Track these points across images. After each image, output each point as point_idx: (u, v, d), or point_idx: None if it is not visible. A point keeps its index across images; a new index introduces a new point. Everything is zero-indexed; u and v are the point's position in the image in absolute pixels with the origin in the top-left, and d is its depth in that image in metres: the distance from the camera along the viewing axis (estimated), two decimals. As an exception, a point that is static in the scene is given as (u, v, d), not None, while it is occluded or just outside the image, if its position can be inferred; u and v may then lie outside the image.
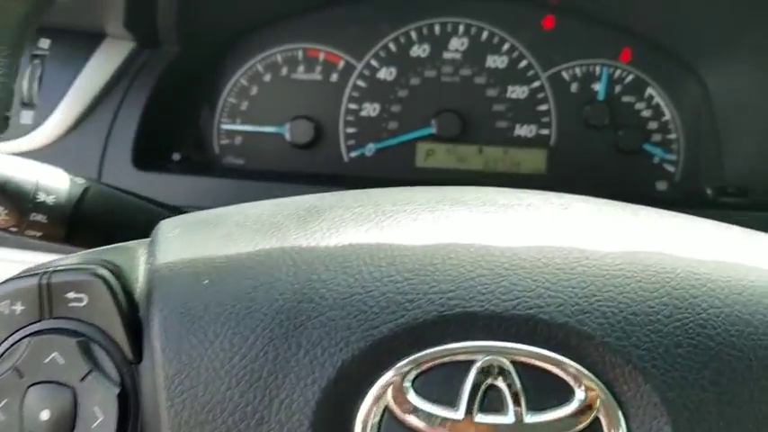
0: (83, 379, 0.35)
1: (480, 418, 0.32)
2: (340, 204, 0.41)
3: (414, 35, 0.93)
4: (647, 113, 0.91)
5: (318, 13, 0.92)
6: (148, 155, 0.79)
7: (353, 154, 0.93)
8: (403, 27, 0.92)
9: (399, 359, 0.33)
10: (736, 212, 0.75)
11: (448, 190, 0.43)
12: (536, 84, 0.92)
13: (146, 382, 0.35)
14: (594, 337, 0.33)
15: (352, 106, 0.93)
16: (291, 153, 0.92)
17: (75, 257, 0.40)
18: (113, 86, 0.79)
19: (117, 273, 0.37)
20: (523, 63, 0.92)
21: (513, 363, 0.33)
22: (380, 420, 0.33)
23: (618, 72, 0.92)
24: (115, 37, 0.80)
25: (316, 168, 0.92)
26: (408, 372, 0.33)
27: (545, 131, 0.92)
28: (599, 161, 0.91)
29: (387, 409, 0.33)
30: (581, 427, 0.32)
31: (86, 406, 0.35)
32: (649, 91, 0.91)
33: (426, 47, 0.93)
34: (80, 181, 0.56)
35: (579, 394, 0.32)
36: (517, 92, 0.92)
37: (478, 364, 0.33)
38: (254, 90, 0.92)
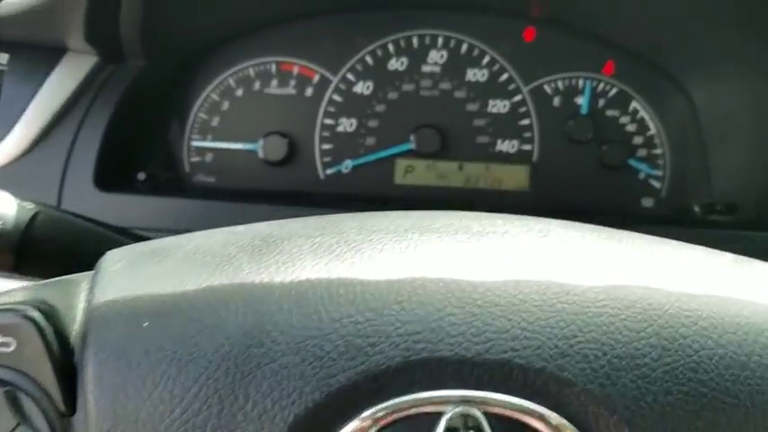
0: (9, 434, 0.31)
1: (450, 475, 0.29)
2: (300, 233, 0.37)
3: (391, 48, 0.90)
4: (631, 128, 0.89)
5: (292, 25, 0.89)
6: (112, 175, 0.76)
7: (330, 171, 0.89)
8: (380, 40, 0.89)
9: (360, 411, 0.29)
10: (726, 231, 0.72)
11: (419, 216, 0.40)
12: (517, 98, 0.89)
13: None
14: (575, 384, 0.29)
15: (328, 121, 0.89)
16: (265, 170, 0.89)
17: (6, 295, 0.36)
18: (75, 103, 0.76)
19: (50, 313, 0.34)
20: (504, 76, 0.89)
21: (486, 414, 0.29)
22: (340, 480, 0.29)
23: (601, 85, 0.89)
24: (77, 51, 0.76)
25: (290, 186, 0.89)
26: (369, 426, 0.29)
27: (527, 147, 0.89)
28: (583, 177, 0.88)
29: (346, 467, 0.29)
30: (562, 485, 0.29)
31: (12, 464, 0.31)
32: (634, 104, 0.89)
33: (404, 60, 0.90)
34: (29, 206, 0.52)
35: (559, 448, 0.29)
36: (498, 106, 0.89)
37: (447, 416, 0.29)
38: (226, 105, 0.89)
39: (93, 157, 0.74)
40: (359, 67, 0.89)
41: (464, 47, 0.90)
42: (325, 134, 0.89)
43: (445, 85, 0.89)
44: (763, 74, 0.78)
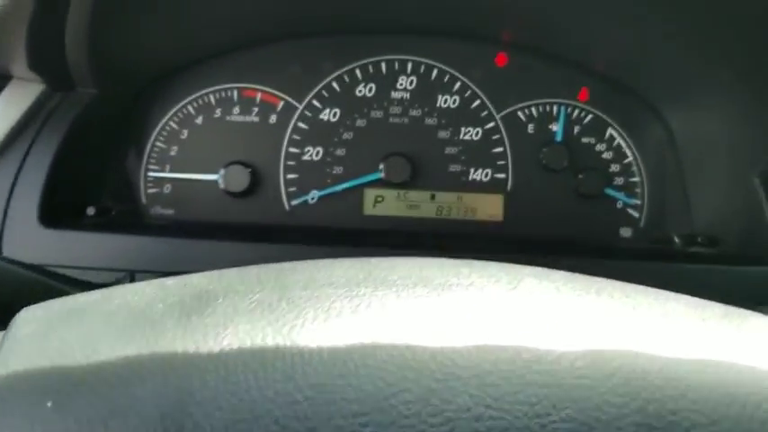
0: None
1: None
2: (238, 287, 0.33)
3: (359, 73, 0.86)
4: (607, 155, 0.86)
5: (255, 50, 0.85)
6: (58, 210, 0.70)
7: (295, 202, 0.85)
8: (347, 65, 0.86)
9: None
10: (708, 266, 0.69)
11: (375, 265, 0.36)
12: (490, 125, 0.86)
13: None
14: (549, 474, 0.25)
15: (293, 150, 0.85)
16: (226, 202, 0.84)
17: None
18: (20, 133, 0.71)
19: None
20: (476, 103, 0.86)
21: None
22: None
23: (576, 112, 0.86)
24: (22, 78, 0.71)
25: (253, 218, 0.84)
26: None
27: (501, 175, 0.86)
28: (559, 207, 0.85)
29: None
30: None
31: None
32: (610, 131, 0.86)
33: (372, 86, 0.86)
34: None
35: None
36: (470, 133, 0.86)
37: None
38: (185, 134, 0.85)
39: (38, 191, 0.69)
40: (325, 94, 0.86)
41: (434, 72, 0.86)
42: (290, 163, 0.85)
43: (415, 112, 0.86)
44: (741, 102, 0.75)
